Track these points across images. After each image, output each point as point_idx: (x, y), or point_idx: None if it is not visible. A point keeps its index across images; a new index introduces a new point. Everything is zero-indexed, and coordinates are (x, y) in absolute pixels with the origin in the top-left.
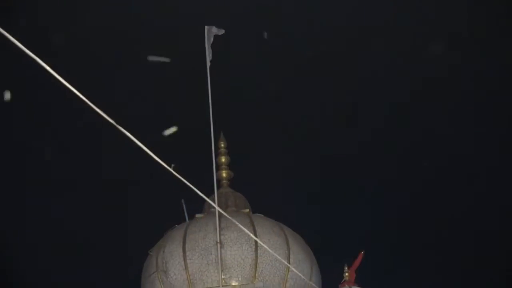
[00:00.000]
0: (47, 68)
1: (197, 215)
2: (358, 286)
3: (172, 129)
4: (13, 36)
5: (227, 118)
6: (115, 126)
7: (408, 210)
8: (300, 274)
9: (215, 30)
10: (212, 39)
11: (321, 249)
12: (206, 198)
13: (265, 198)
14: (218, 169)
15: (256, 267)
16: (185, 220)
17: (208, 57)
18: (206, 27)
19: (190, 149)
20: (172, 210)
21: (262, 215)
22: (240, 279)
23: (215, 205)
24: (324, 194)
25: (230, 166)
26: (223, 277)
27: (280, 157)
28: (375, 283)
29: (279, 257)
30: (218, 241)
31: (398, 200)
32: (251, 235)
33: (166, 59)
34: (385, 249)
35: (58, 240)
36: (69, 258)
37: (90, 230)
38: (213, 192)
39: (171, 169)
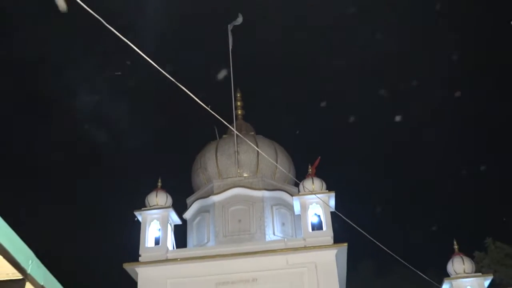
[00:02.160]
0: None
1: (224, 136)
2: (316, 177)
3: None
4: None
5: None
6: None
7: None
8: (283, 170)
9: (237, 21)
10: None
11: (296, 155)
12: (229, 126)
13: (265, 125)
14: (236, 108)
15: (258, 166)
16: (216, 139)
17: (230, 45)
18: (229, 26)
19: (219, 97)
20: (209, 134)
21: (261, 136)
22: (248, 172)
23: (234, 130)
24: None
25: (243, 106)
26: (238, 171)
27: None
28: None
29: (271, 160)
30: (236, 150)
31: None
32: (255, 147)
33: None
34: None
35: None
36: None
37: None
38: (233, 122)
39: (208, 108)
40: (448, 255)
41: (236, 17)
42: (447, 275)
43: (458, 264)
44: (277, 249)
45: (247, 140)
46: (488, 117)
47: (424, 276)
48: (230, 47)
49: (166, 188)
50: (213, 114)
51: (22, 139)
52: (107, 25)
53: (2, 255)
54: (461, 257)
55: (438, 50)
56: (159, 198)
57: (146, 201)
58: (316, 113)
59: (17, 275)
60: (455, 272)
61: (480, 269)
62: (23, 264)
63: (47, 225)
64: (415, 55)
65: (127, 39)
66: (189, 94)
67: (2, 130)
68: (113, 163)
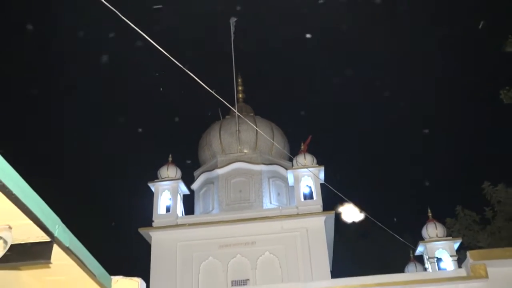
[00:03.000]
0: None
1: (227, 116)
2: (308, 153)
3: None
4: None
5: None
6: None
7: None
8: (278, 146)
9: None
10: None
11: (290, 135)
12: (232, 108)
13: (264, 107)
14: (237, 92)
15: (256, 143)
16: (220, 119)
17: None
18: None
19: (223, 82)
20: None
21: (260, 117)
22: (248, 149)
23: (236, 111)
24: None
25: (244, 90)
26: (239, 147)
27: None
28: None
29: (268, 138)
30: (237, 129)
31: None
32: (254, 126)
33: None
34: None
35: None
36: None
37: None
38: (235, 105)
39: (213, 92)
40: (423, 222)
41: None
42: (421, 238)
43: (431, 229)
44: (273, 216)
45: (247, 120)
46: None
47: (402, 240)
48: (232, 38)
49: (176, 163)
50: (217, 98)
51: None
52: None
53: (32, 221)
54: (434, 223)
55: None
56: (170, 171)
57: (158, 173)
58: (311, 98)
59: (46, 238)
60: (429, 236)
61: (450, 234)
62: (50, 228)
63: (71, 195)
64: None
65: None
66: (197, 80)
67: None
68: (128, 141)
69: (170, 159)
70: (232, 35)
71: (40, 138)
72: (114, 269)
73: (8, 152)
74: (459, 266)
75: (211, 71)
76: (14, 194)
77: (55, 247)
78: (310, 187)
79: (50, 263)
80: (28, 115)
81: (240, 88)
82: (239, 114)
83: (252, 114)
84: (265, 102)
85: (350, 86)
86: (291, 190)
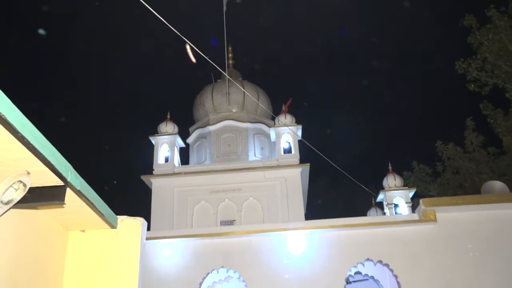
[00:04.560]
0: None
1: (218, 80)
2: (288, 113)
3: None
4: None
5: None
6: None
7: None
8: (263, 107)
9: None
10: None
11: (273, 97)
12: (223, 72)
13: (251, 72)
14: (228, 59)
15: (244, 103)
16: (212, 82)
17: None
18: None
19: (217, 50)
20: (210, 79)
21: (247, 81)
22: (236, 108)
23: (226, 75)
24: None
25: (234, 57)
26: (229, 107)
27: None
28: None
29: (254, 99)
30: (227, 91)
31: None
32: (242, 89)
33: None
34: None
35: None
36: None
37: None
38: (225, 70)
39: (207, 58)
40: (384, 174)
41: None
42: (382, 188)
43: (391, 180)
44: (257, 167)
45: (236, 84)
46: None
47: (366, 188)
48: (224, 9)
49: (173, 119)
50: (211, 63)
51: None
52: None
53: (48, 167)
54: (394, 175)
55: None
56: (168, 127)
57: (158, 129)
58: (290, 65)
59: (60, 182)
60: (388, 186)
61: (407, 184)
62: (64, 174)
63: (81, 144)
64: None
65: None
66: (193, 48)
67: None
68: (130, 100)
69: (168, 116)
70: (225, 7)
71: (55, 91)
72: (119, 210)
73: (26, 103)
74: (413, 211)
75: (206, 39)
76: (31, 144)
77: (68, 190)
78: (289, 143)
79: (64, 204)
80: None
81: (230, 55)
82: (229, 78)
83: (240, 78)
84: (252, 68)
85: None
86: (272, 145)
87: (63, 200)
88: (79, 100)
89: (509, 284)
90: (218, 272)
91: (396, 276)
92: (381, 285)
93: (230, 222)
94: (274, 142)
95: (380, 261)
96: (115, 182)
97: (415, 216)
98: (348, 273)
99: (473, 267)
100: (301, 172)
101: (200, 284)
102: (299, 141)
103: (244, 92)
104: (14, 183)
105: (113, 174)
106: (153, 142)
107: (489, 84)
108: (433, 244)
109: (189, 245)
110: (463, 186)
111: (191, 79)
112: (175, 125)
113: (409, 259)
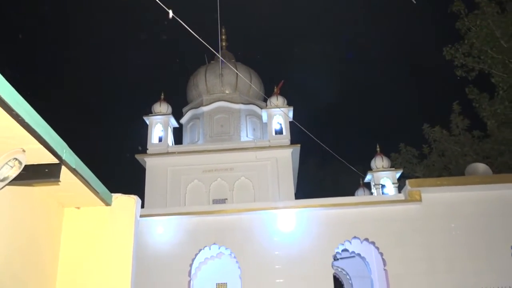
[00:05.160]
0: None
1: (212, 62)
2: (280, 95)
3: None
4: None
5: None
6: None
7: None
8: (255, 88)
9: None
10: None
11: (266, 79)
12: (216, 53)
13: (244, 55)
14: (221, 41)
15: (237, 85)
16: (206, 64)
17: None
18: None
19: (210, 32)
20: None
21: (240, 63)
22: (229, 90)
23: (220, 57)
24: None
25: (227, 39)
26: (222, 88)
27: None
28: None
29: (246, 80)
30: (220, 73)
31: None
32: (235, 70)
33: None
34: None
35: None
36: None
37: None
38: (219, 51)
39: (202, 40)
40: (372, 155)
41: None
42: (370, 169)
43: (378, 161)
44: (249, 147)
45: (229, 65)
46: None
47: (354, 169)
48: None
49: (167, 100)
50: (205, 44)
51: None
52: None
53: (43, 145)
54: (381, 156)
55: None
56: (162, 107)
57: (152, 109)
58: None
59: (55, 160)
60: (376, 167)
61: (394, 165)
62: (59, 152)
63: (76, 123)
64: None
65: None
66: (187, 29)
67: None
68: (125, 80)
69: (162, 96)
70: None
71: (49, 68)
72: (114, 188)
73: (21, 81)
74: (399, 192)
75: (200, 22)
76: (26, 122)
77: (63, 168)
78: (280, 124)
79: (59, 181)
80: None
81: (223, 37)
82: (222, 59)
83: (233, 60)
84: (246, 51)
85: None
86: (264, 126)
87: (58, 177)
88: (74, 79)
89: (487, 263)
90: (210, 249)
91: (381, 254)
92: (367, 262)
93: (222, 201)
94: (266, 123)
95: (367, 239)
96: (108, 161)
97: (401, 196)
98: (336, 250)
99: (454, 245)
100: (292, 153)
101: (193, 260)
102: (290, 122)
103: (237, 73)
104: (9, 160)
105: (108, 153)
106: (147, 122)
107: (476, 69)
108: (417, 223)
109: (182, 223)
110: (448, 168)
111: (185, 60)
112: (169, 105)
113: (395, 237)
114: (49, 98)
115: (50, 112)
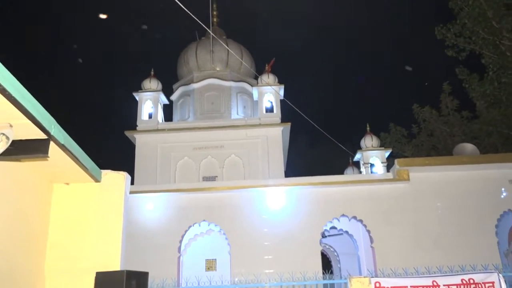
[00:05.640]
0: None
1: (202, 38)
2: (271, 73)
3: None
4: None
5: None
6: None
7: None
8: (246, 65)
9: None
10: None
11: (257, 56)
12: (207, 29)
13: (236, 31)
14: (212, 17)
15: (227, 62)
16: (197, 40)
17: None
18: None
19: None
20: (194, 36)
21: (231, 39)
22: (220, 67)
23: (211, 33)
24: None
25: (218, 15)
26: (213, 65)
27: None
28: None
29: (237, 57)
30: (211, 49)
31: None
32: (226, 47)
33: None
34: None
35: None
36: None
37: None
38: (210, 27)
39: (193, 16)
40: (362, 134)
41: None
42: (360, 148)
43: (368, 141)
44: (239, 125)
45: (220, 41)
46: None
47: (344, 148)
48: None
49: (157, 76)
50: (196, 20)
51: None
52: None
53: (30, 120)
54: (371, 135)
55: None
56: (152, 83)
57: (142, 85)
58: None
59: (43, 136)
60: (366, 146)
61: (383, 145)
62: (47, 127)
63: (66, 99)
64: None
65: None
66: (178, 4)
67: None
68: (115, 55)
69: (152, 73)
70: None
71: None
72: (103, 165)
73: (8, 57)
74: (388, 171)
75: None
76: (13, 97)
77: (52, 144)
78: (271, 102)
79: (47, 157)
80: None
81: (215, 13)
82: (213, 35)
83: (224, 37)
84: (237, 27)
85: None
86: (255, 104)
87: (47, 153)
88: (64, 55)
89: (472, 240)
90: (200, 225)
91: (369, 231)
92: (354, 239)
93: (212, 178)
94: (257, 101)
95: (355, 217)
96: (98, 138)
97: (390, 175)
98: (324, 228)
99: (438, 224)
100: (282, 131)
101: (182, 236)
102: (281, 100)
103: (228, 50)
104: None
105: (98, 129)
106: (137, 98)
107: (467, 50)
108: (405, 202)
109: (172, 199)
110: (436, 148)
111: (176, 36)
112: (159, 82)
113: (382, 215)
114: (36, 76)
115: (37, 89)
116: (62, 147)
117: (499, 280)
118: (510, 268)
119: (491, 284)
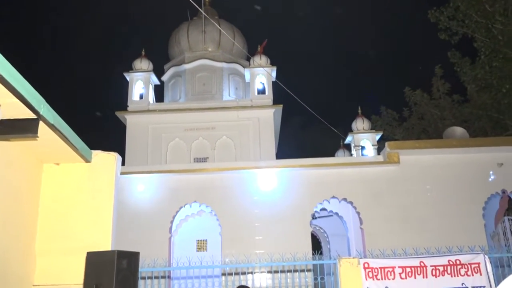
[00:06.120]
0: None
1: (194, 18)
2: (263, 54)
3: None
4: None
5: None
6: None
7: None
8: (238, 46)
9: None
10: None
11: (251, 37)
12: (200, 9)
13: (228, 12)
14: None
15: (220, 43)
16: (188, 20)
17: None
18: None
19: None
20: (186, 16)
21: (224, 20)
22: (212, 47)
23: (203, 12)
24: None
25: None
26: (204, 46)
27: None
28: None
29: (230, 37)
30: (203, 29)
31: None
32: (218, 27)
33: None
34: None
35: None
36: None
37: None
38: (202, 7)
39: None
40: (353, 117)
41: None
42: (351, 130)
43: (359, 123)
44: (231, 107)
45: (213, 21)
46: None
47: (335, 130)
48: None
49: (148, 57)
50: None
51: None
52: None
53: (19, 100)
54: (362, 118)
55: None
56: (143, 63)
57: (132, 65)
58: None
59: (33, 115)
60: (357, 129)
61: (374, 128)
62: (36, 107)
63: (56, 79)
64: None
65: None
66: None
67: None
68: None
69: (143, 53)
70: None
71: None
72: (94, 146)
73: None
74: (378, 154)
75: None
76: (1, 75)
77: (41, 124)
78: (263, 84)
79: (37, 136)
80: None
81: None
82: (205, 15)
83: (216, 17)
84: (230, 8)
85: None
86: (247, 86)
87: (36, 133)
88: (55, 35)
89: (459, 222)
90: (191, 206)
91: (358, 213)
92: (344, 221)
93: (204, 160)
94: (249, 82)
95: (345, 199)
96: (88, 118)
97: (380, 158)
98: (314, 210)
99: (427, 206)
100: (274, 113)
101: (174, 217)
102: (273, 82)
103: (220, 30)
104: None
105: (88, 109)
106: (128, 78)
107: (459, 33)
108: (394, 184)
109: (163, 180)
110: (426, 131)
111: (167, 16)
112: (150, 62)
113: (372, 197)
114: (24, 55)
115: (26, 68)
116: (52, 127)
117: (485, 261)
118: (496, 249)
119: (476, 265)
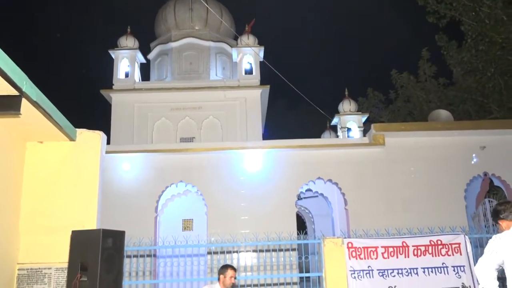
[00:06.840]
0: None
1: None
2: (251, 34)
3: None
4: None
5: None
6: None
7: None
8: (226, 24)
9: None
10: None
11: (239, 17)
12: None
13: None
14: None
15: (207, 21)
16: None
17: None
18: None
19: None
20: None
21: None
22: (199, 26)
23: None
24: None
25: None
26: (191, 24)
27: None
28: None
29: (217, 16)
30: (190, 7)
31: None
32: (205, 4)
33: None
34: None
35: None
36: None
37: None
38: None
39: None
40: (340, 98)
41: None
42: (337, 112)
43: (346, 105)
44: (218, 86)
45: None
46: None
47: (322, 111)
48: None
49: (134, 34)
50: None
51: None
52: None
53: (1, 76)
54: (349, 100)
55: None
56: (128, 41)
57: (118, 42)
58: None
59: (15, 92)
60: (343, 110)
61: (360, 110)
62: (18, 83)
63: (40, 57)
64: None
65: None
66: None
67: None
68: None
69: (128, 30)
70: None
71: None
72: (78, 124)
73: None
74: (364, 135)
75: None
76: None
77: (24, 101)
78: (250, 64)
79: (19, 114)
80: None
81: None
82: None
83: None
84: None
85: None
86: (234, 66)
87: (19, 110)
88: (37, 9)
89: (442, 204)
90: (177, 186)
91: (343, 194)
92: (329, 201)
93: (190, 139)
94: (236, 62)
95: (330, 180)
96: (72, 96)
97: (366, 140)
98: (300, 190)
99: (410, 188)
100: (261, 94)
101: (159, 196)
102: (260, 62)
103: (207, 8)
104: None
105: (73, 87)
106: (113, 56)
107: (447, 16)
108: (379, 166)
109: (149, 160)
110: (412, 114)
111: None
112: (136, 39)
113: (357, 179)
114: (6, 31)
115: (8, 45)
116: (35, 104)
117: (465, 241)
118: (476, 230)
119: (457, 245)
